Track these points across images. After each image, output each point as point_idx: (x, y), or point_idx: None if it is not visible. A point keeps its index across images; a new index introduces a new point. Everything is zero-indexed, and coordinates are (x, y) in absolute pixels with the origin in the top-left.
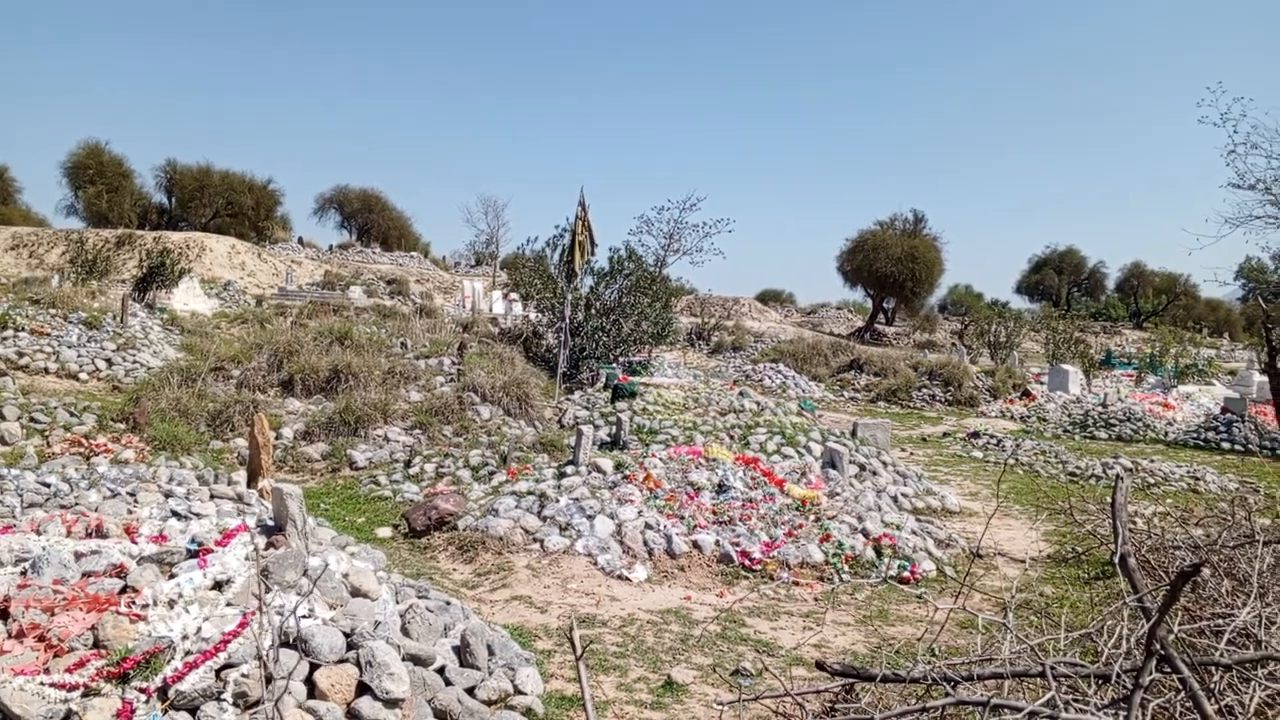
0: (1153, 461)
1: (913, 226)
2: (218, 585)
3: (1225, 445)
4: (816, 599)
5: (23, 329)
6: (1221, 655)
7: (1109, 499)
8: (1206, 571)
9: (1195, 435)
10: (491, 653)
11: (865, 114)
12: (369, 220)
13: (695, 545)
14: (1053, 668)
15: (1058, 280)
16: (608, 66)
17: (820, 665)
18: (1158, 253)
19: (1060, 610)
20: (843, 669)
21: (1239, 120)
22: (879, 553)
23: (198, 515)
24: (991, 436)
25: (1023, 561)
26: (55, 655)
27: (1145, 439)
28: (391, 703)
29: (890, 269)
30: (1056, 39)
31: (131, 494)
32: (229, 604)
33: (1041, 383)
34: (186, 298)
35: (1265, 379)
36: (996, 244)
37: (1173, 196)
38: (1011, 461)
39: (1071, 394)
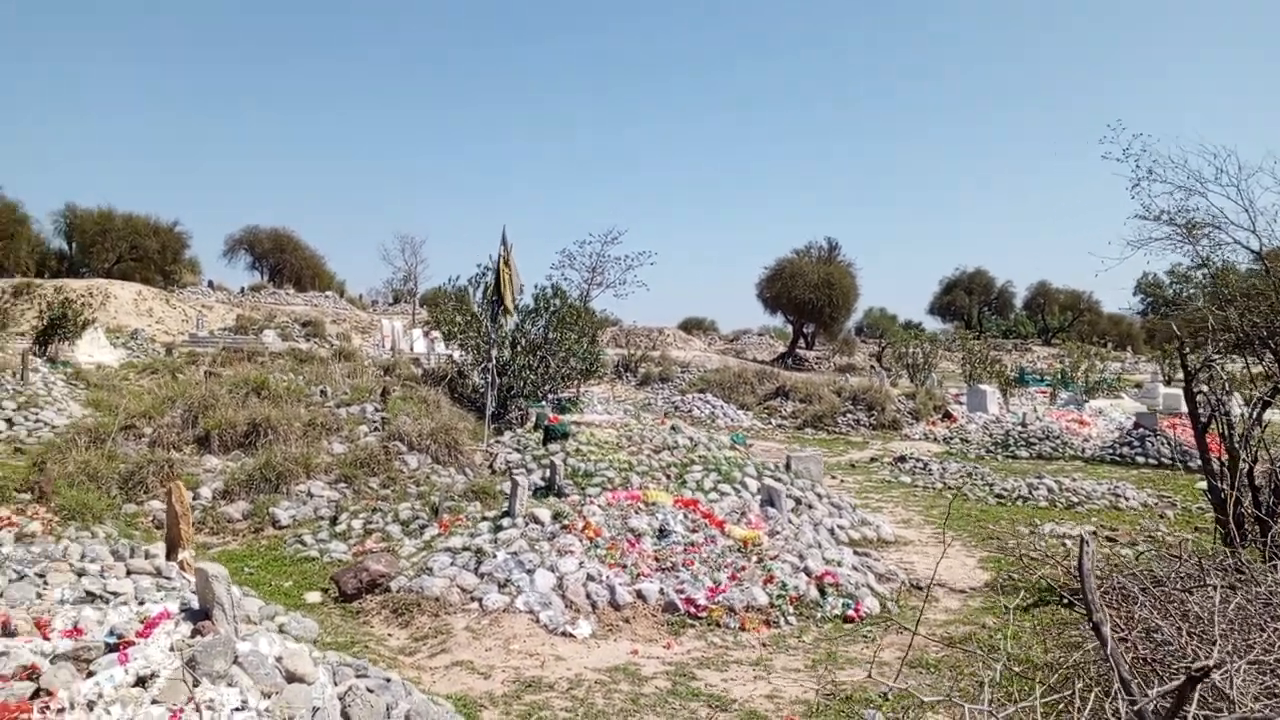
0: (1074, 480)
1: (827, 254)
2: (141, 681)
3: (1140, 460)
4: (764, 644)
5: None
6: None
7: (1033, 525)
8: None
9: (1111, 451)
10: None
11: (781, 144)
12: (281, 260)
13: (639, 595)
14: None
15: (968, 300)
16: (524, 104)
17: None
18: (1061, 271)
19: (1003, 641)
20: None
21: (1140, 155)
22: (823, 591)
23: (115, 594)
24: (918, 460)
25: (963, 591)
26: None
27: (1064, 456)
28: None
29: (808, 295)
30: (964, 73)
31: (40, 575)
32: (154, 701)
33: (961, 403)
34: (91, 349)
35: (1170, 390)
36: (908, 267)
37: (1074, 216)
38: (940, 486)
39: (991, 414)
